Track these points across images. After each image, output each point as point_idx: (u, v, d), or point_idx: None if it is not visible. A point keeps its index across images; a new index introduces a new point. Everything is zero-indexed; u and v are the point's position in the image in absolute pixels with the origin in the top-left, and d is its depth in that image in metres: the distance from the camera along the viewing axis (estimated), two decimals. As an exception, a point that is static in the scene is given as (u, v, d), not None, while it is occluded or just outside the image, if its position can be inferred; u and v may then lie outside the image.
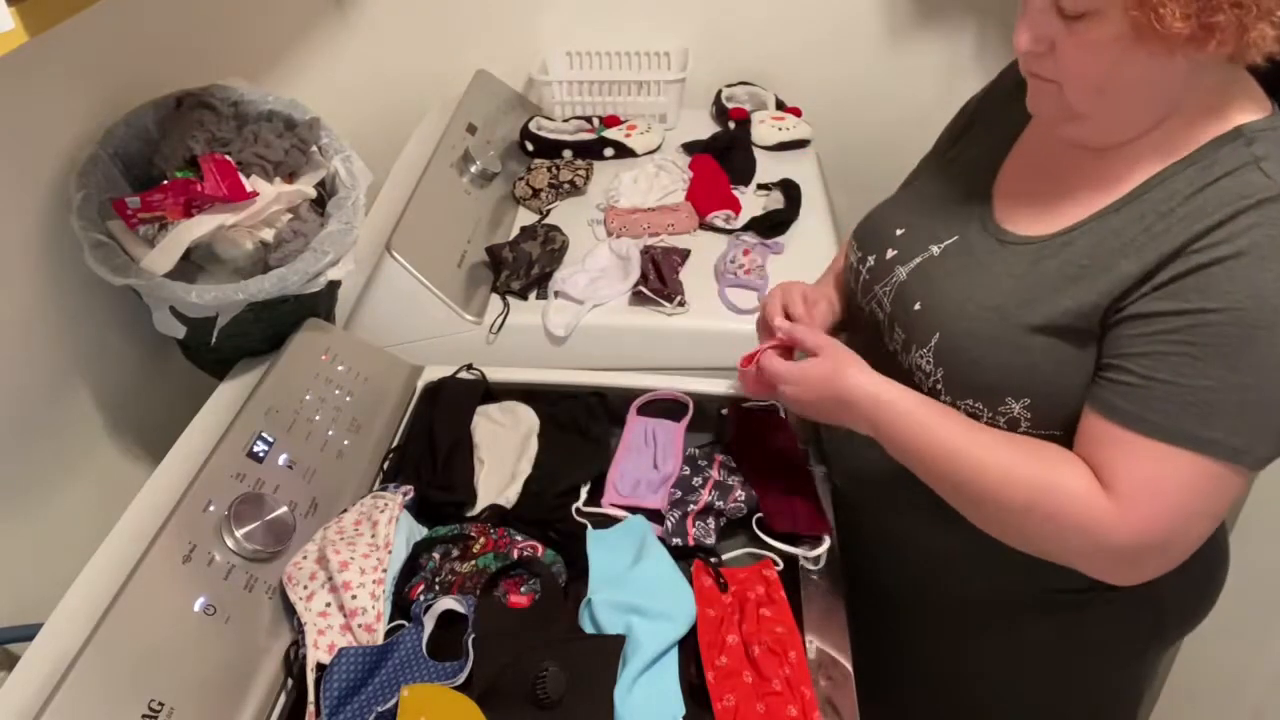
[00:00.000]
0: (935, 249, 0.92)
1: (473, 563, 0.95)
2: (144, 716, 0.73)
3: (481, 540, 0.97)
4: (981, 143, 0.97)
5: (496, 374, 1.22)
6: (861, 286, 1.00)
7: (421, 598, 0.91)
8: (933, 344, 0.87)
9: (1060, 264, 0.81)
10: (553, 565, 0.95)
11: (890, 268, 0.95)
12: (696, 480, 1.05)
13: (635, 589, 0.90)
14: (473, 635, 0.86)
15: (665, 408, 1.18)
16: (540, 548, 0.97)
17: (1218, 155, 0.75)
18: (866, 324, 1.00)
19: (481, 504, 1.04)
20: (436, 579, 0.94)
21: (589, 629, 0.88)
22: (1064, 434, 0.81)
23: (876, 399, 0.86)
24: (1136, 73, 0.74)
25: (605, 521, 1.02)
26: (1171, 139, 0.78)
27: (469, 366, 1.23)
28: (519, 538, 0.98)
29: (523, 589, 0.93)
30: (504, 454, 1.11)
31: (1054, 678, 1.04)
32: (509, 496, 1.04)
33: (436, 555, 0.96)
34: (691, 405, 1.17)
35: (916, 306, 0.90)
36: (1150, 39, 0.69)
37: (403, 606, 0.92)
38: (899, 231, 0.97)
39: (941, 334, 0.86)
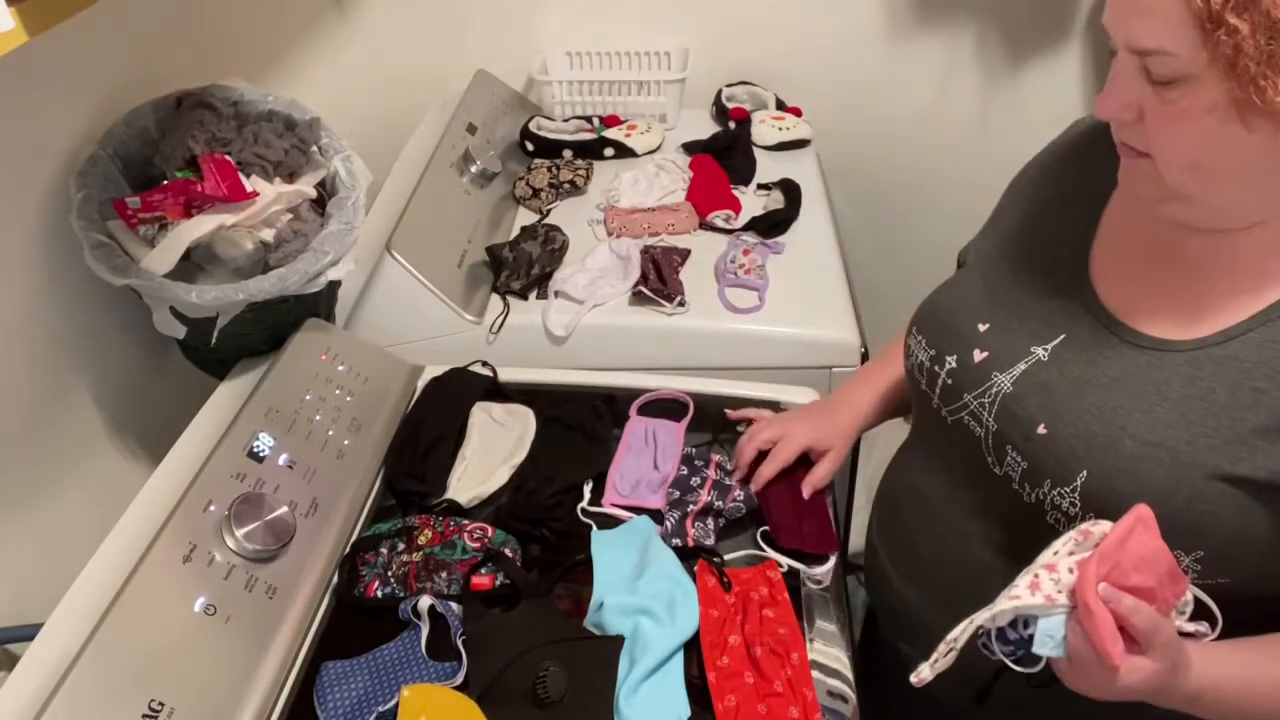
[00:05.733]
0: (1040, 351, 0.78)
1: (421, 551, 0.96)
2: (144, 716, 0.73)
3: (428, 532, 0.97)
4: (1057, 218, 0.83)
5: (501, 374, 1.22)
6: (942, 392, 0.85)
7: (380, 594, 0.93)
8: (1078, 484, 0.72)
9: (1230, 386, 0.68)
10: (504, 545, 0.96)
11: (984, 374, 0.80)
12: (695, 480, 1.05)
13: (643, 592, 0.90)
14: (463, 635, 0.87)
15: (665, 408, 1.18)
16: (490, 530, 0.97)
17: None
18: (950, 433, 0.85)
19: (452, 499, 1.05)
20: (389, 572, 0.94)
21: (598, 632, 0.88)
22: (1233, 581, 0.70)
23: (1201, 696, 0.68)
24: (1240, 152, 0.63)
25: (609, 522, 1.03)
26: None
27: (483, 363, 1.23)
28: (466, 523, 0.98)
29: (483, 570, 0.94)
30: (491, 454, 1.11)
31: None
32: (478, 494, 1.05)
33: (384, 550, 0.97)
34: (691, 405, 1.17)
35: (1041, 430, 0.75)
36: (1252, 114, 0.60)
37: (357, 607, 0.93)
38: (982, 327, 0.82)
39: (1090, 473, 0.71)
